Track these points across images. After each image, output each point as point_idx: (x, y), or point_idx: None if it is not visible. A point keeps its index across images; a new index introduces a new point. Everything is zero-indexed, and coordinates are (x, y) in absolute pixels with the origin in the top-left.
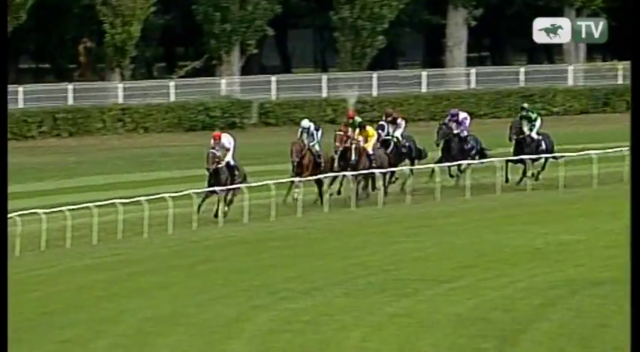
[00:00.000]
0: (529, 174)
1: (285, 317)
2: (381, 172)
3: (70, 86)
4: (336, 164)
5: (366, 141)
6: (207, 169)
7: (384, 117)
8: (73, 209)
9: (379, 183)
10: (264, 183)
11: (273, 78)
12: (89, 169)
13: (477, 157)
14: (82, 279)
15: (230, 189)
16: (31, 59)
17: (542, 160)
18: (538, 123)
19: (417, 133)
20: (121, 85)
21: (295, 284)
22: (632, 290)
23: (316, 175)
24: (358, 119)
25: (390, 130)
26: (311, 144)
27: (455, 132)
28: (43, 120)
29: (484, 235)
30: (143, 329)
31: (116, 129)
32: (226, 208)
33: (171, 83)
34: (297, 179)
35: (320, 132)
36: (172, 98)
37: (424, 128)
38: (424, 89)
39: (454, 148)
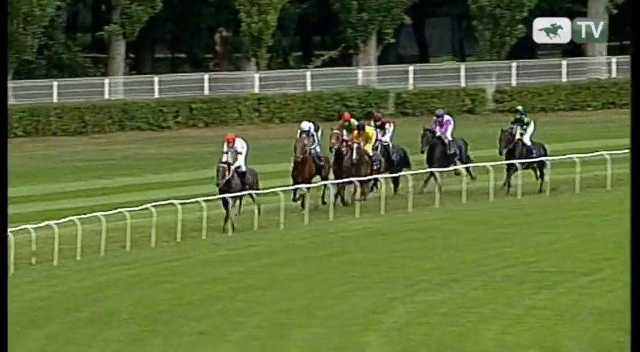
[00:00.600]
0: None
1: (423, 310)
2: (384, 177)
3: (206, 76)
4: (331, 163)
5: (366, 142)
6: (217, 185)
7: (372, 122)
8: (208, 200)
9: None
10: (401, 174)
11: (411, 67)
12: None
13: (459, 163)
14: (218, 271)
15: (241, 196)
16: (166, 49)
17: (536, 168)
18: (531, 128)
19: (556, 124)
20: (257, 75)
21: (432, 276)
22: (632, 290)
23: (316, 178)
24: (355, 122)
25: (379, 135)
26: (311, 147)
27: (437, 134)
28: (179, 110)
29: (625, 226)
30: (278, 321)
31: (252, 119)
32: (234, 216)
33: (308, 73)
34: (302, 186)
35: (320, 133)
36: (309, 88)
37: (563, 118)
38: (564, 78)
39: (437, 154)
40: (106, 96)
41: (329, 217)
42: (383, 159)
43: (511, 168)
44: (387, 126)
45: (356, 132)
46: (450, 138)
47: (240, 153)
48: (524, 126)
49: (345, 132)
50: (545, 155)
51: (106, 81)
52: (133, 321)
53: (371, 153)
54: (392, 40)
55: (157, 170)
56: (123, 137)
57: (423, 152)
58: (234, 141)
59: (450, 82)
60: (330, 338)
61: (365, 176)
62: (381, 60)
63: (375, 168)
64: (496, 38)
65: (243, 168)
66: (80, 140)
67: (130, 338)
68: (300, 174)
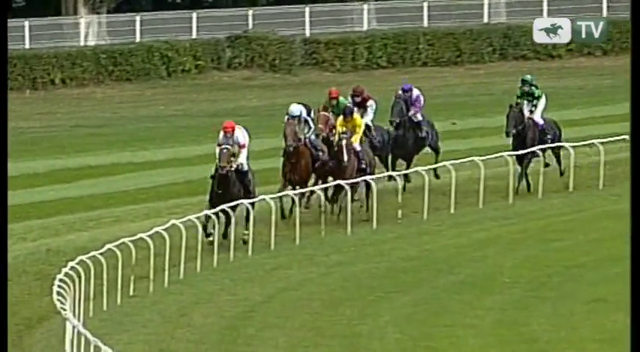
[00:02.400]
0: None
1: None
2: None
3: None
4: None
5: (353, 133)
6: (220, 168)
7: (349, 98)
8: (605, 142)
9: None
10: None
11: None
12: None
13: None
14: (618, 226)
15: (240, 205)
16: None
17: (552, 155)
18: (542, 102)
19: None
20: None
21: None
22: (632, 290)
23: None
24: (344, 100)
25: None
26: (306, 135)
27: (409, 114)
28: None
29: None
30: None
31: None
32: (245, 232)
33: None
34: (290, 192)
35: (313, 116)
36: None
37: None
38: None
39: (407, 138)
40: (485, 20)
41: None
42: (372, 156)
43: (523, 160)
44: (369, 103)
45: (341, 117)
46: (421, 118)
47: (243, 146)
48: (534, 101)
49: (331, 114)
50: (560, 135)
51: (486, 1)
52: (516, 285)
53: (358, 148)
54: None
55: None
56: (505, 68)
57: (391, 123)
58: (233, 130)
59: None
60: None
61: (350, 178)
62: None
63: (362, 166)
64: None
65: (246, 167)
66: (454, 71)
67: (513, 305)
68: (294, 170)
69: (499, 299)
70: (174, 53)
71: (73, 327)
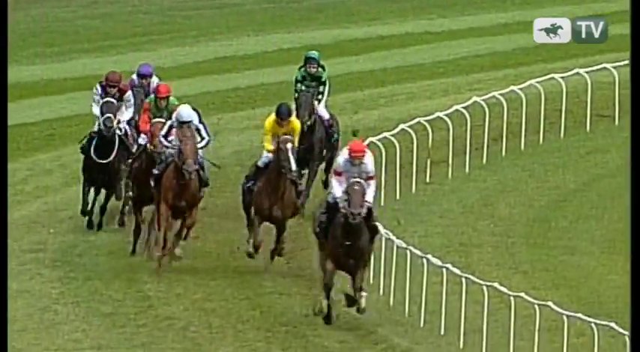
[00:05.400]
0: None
1: None
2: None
3: None
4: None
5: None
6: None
7: (98, 88)
8: None
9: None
10: None
11: None
12: None
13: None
14: None
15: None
16: None
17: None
18: (327, 90)
19: None
20: None
21: None
22: (632, 289)
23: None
24: (174, 100)
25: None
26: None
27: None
28: None
29: None
30: None
31: None
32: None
33: None
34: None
35: (204, 127)
36: None
37: None
38: None
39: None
40: None
41: None
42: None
43: (310, 164)
44: (127, 96)
45: (272, 118)
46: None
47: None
48: (320, 87)
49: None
50: (338, 133)
51: None
52: None
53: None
54: None
55: None
56: None
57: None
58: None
59: None
60: None
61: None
62: None
63: (299, 188)
64: None
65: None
66: None
67: None
68: (180, 208)
69: None
70: None
71: None
